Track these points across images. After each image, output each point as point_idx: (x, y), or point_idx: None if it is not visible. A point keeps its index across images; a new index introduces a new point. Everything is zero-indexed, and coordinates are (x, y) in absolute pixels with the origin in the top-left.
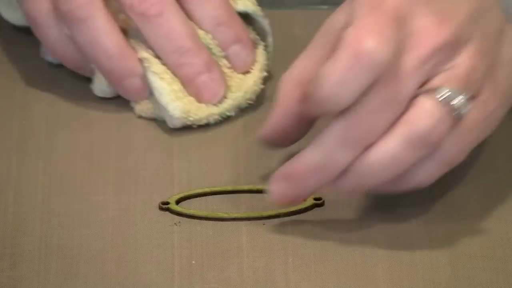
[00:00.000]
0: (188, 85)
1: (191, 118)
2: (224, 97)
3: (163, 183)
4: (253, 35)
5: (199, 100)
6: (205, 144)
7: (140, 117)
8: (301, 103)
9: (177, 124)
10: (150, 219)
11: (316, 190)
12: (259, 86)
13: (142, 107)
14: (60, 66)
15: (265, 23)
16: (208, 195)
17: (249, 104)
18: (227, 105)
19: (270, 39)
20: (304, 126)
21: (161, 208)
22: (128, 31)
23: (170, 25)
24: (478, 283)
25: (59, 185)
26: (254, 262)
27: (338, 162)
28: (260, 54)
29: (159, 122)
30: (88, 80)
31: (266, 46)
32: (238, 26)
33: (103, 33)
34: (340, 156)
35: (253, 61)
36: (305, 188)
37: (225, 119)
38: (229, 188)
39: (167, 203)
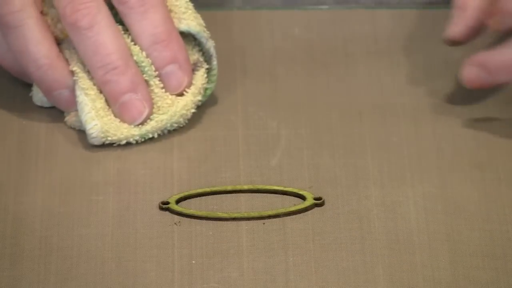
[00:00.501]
0: (112, 103)
1: (109, 138)
2: (149, 118)
3: (163, 183)
4: (196, 56)
5: (121, 119)
6: (205, 144)
7: (70, 128)
8: (488, 16)
9: (95, 142)
10: (150, 219)
11: (504, 83)
12: (189, 111)
13: (71, 119)
14: None
15: (209, 45)
16: (208, 195)
17: (178, 127)
18: (150, 127)
19: (214, 62)
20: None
21: (161, 208)
22: (65, 41)
23: (99, 39)
24: (478, 283)
25: (59, 185)
26: (254, 262)
27: None
28: (199, 78)
29: None
30: None
31: (210, 69)
32: (176, 46)
33: (33, 42)
34: None
35: (188, 84)
36: (495, 80)
37: (225, 119)
38: (229, 188)
39: (167, 203)
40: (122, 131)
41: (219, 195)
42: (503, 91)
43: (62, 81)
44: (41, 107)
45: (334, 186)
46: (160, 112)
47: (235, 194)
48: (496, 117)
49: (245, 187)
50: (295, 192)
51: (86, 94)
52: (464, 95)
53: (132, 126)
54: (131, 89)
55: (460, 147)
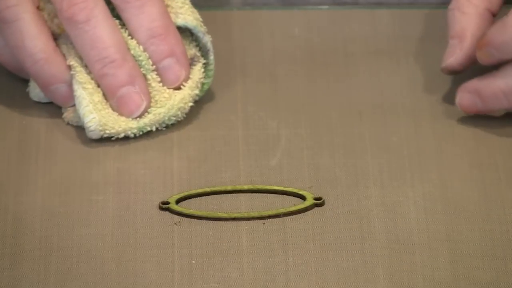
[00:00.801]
0: (110, 97)
1: (107, 131)
2: (147, 111)
3: (163, 183)
4: (194, 51)
5: (119, 113)
6: (205, 144)
7: (68, 124)
8: (478, 48)
9: (93, 136)
10: (150, 219)
11: (499, 109)
12: (187, 104)
13: (69, 115)
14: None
15: (206, 40)
16: (208, 195)
17: (176, 120)
18: (147, 120)
19: (211, 57)
20: None
21: (161, 208)
22: (62, 36)
23: (96, 33)
24: (478, 283)
25: (59, 185)
26: (254, 262)
27: None
28: (196, 72)
29: None
30: None
31: (207, 64)
32: (173, 40)
33: (29, 37)
34: None
35: (186, 78)
36: (490, 107)
37: (225, 119)
38: (229, 188)
39: (167, 203)
40: (120, 124)
41: (219, 195)
42: None
43: (59, 76)
44: (41, 107)
45: (334, 186)
46: (158, 105)
47: (235, 194)
48: (496, 117)
49: (245, 187)
50: (295, 192)
51: (83, 88)
52: None
53: (130, 119)
54: (129, 82)
55: (460, 147)
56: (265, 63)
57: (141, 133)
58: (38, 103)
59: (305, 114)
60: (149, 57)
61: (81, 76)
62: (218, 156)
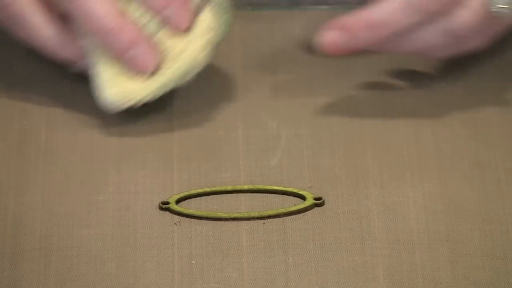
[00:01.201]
0: (120, 61)
1: (129, 103)
2: (161, 69)
3: (163, 183)
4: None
5: (134, 73)
6: (205, 144)
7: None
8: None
9: (116, 109)
10: (150, 219)
11: (362, 46)
12: (202, 54)
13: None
14: (61, 66)
15: None
16: (208, 195)
17: (195, 72)
18: (164, 78)
19: None
20: None
21: (161, 208)
22: None
23: (89, 6)
24: (478, 283)
25: (59, 185)
26: (254, 262)
27: (396, 23)
28: (205, 18)
29: (159, 122)
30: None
31: (216, 5)
32: None
33: (37, 27)
34: (400, 18)
35: (191, 20)
36: (357, 42)
37: (225, 119)
38: (229, 188)
39: (167, 203)
40: (139, 90)
41: (219, 195)
42: (503, 91)
43: (74, 57)
44: (41, 107)
45: (334, 186)
46: (173, 62)
47: (235, 194)
48: (496, 117)
49: (245, 187)
50: (295, 192)
51: (101, 63)
52: (464, 95)
53: (146, 82)
54: (132, 45)
55: (460, 147)
56: (265, 63)
57: (163, 93)
58: (38, 102)
59: (305, 114)
60: (153, 17)
61: (98, 51)
62: (218, 156)
